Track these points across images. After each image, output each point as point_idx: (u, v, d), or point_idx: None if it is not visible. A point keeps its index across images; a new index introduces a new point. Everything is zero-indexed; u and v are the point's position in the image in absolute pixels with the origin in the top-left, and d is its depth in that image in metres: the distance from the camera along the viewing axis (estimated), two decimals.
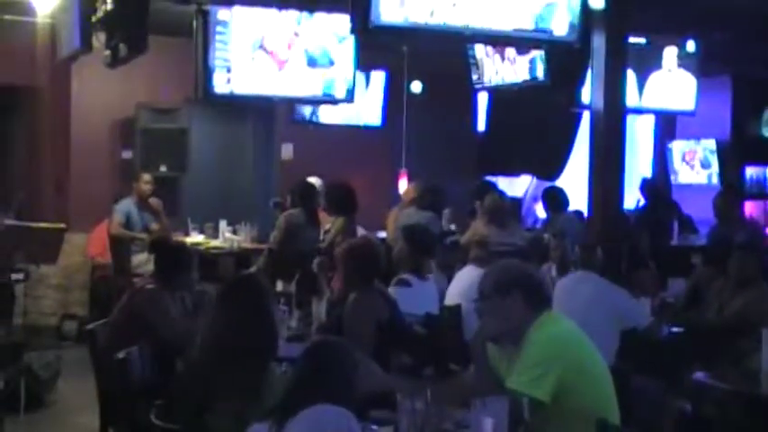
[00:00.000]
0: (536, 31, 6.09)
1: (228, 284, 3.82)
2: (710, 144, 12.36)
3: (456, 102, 11.26)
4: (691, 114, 9.79)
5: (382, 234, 8.61)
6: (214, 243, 9.46)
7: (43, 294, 9.28)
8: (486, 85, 8.93)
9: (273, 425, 2.81)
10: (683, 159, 12.80)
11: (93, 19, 6.57)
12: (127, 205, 9.23)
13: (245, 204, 10.57)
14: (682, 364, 4.74)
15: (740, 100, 12.27)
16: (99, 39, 6.63)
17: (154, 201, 9.29)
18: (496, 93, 9.94)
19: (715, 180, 12.27)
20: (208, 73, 7.22)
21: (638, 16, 7.07)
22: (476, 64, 8.81)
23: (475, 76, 8.93)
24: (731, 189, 10.64)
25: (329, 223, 7.98)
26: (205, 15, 7.21)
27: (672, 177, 12.89)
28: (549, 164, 12.17)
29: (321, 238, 7.94)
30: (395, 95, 10.95)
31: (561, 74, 8.10)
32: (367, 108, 10.89)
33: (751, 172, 12.92)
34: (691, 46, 9.25)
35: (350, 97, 7.99)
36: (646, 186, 10.62)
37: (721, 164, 12.28)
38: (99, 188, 9.81)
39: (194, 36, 7.25)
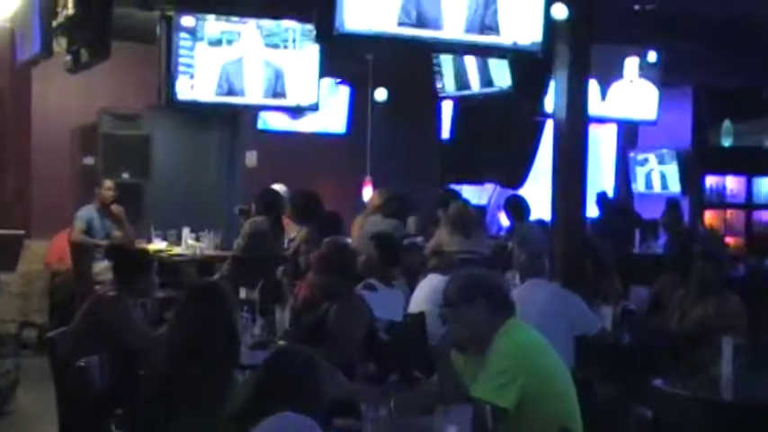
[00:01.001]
0: (500, 40, 6.12)
1: (190, 291, 3.79)
2: (671, 154, 12.49)
3: (420, 110, 11.28)
4: (652, 124, 9.90)
5: (348, 241, 8.59)
6: (177, 250, 9.40)
7: (2, 302, 9.16)
8: (450, 93, 8.97)
9: None
10: (645, 168, 12.93)
11: (54, 24, 6.50)
12: (88, 212, 9.14)
13: (208, 211, 10.51)
14: (644, 372, 4.77)
15: (701, 110, 12.43)
16: (60, 43, 6.57)
17: (116, 208, 9.21)
18: (461, 101, 9.99)
19: (676, 189, 12.40)
20: (171, 79, 7.18)
21: (600, 26, 7.14)
22: (440, 72, 8.84)
23: (439, 85, 8.97)
24: (675, 205, 10.84)
25: (294, 231, 7.95)
26: (169, 21, 7.18)
27: (633, 186, 13.02)
28: (513, 172, 12.24)
29: (286, 246, 7.91)
30: (359, 103, 10.96)
31: (525, 83, 8.16)
32: (331, 116, 10.89)
33: (711, 181, 13.08)
34: (652, 56, 9.36)
35: (314, 106, 7.98)
36: (599, 199, 10.80)
37: (682, 173, 12.42)
38: (60, 195, 9.72)
39: (158, 42, 7.21)
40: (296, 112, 8.92)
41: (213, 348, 3.43)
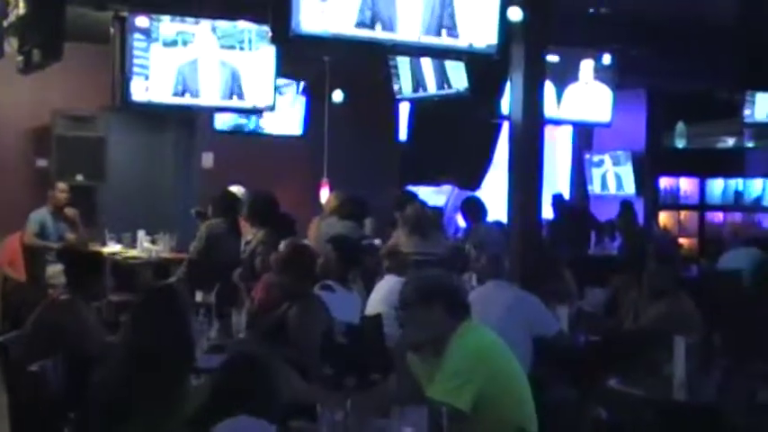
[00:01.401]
0: (456, 42, 6.14)
1: (145, 295, 3.76)
2: (626, 155, 12.62)
3: (378, 111, 11.29)
4: (607, 126, 9.98)
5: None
6: (132, 253, 9.31)
7: None
8: (407, 95, 8.99)
9: None
10: (600, 170, 13.06)
11: (5, 24, 6.41)
12: (41, 215, 9.04)
13: (164, 214, 10.43)
14: (599, 373, 4.81)
15: (655, 113, 12.57)
16: (11, 44, 6.47)
17: (70, 210, 9.12)
18: (418, 103, 10.01)
19: (631, 190, 12.53)
20: (125, 81, 7.11)
21: (555, 29, 7.19)
22: (397, 74, 8.85)
23: (396, 87, 8.98)
24: (628, 206, 10.98)
25: (251, 234, 7.91)
26: (122, 22, 7.09)
27: (589, 188, 13.13)
28: (470, 174, 12.29)
29: (242, 248, 7.87)
30: (316, 105, 10.94)
31: (481, 85, 8.19)
32: (288, 117, 10.86)
33: (665, 183, 13.25)
34: (607, 59, 9.45)
35: (271, 107, 7.95)
36: (554, 202, 10.90)
37: (637, 175, 12.56)
38: (12, 197, 9.58)
39: (112, 43, 7.13)
40: (252, 113, 8.88)
41: (168, 352, 3.40)
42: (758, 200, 13.01)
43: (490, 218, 8.65)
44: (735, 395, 4.20)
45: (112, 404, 3.35)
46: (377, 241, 8.28)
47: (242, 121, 10.53)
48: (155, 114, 9.77)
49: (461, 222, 10.22)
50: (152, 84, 7.22)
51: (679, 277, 5.87)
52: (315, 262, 5.18)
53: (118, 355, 3.56)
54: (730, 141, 13.60)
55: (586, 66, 9.42)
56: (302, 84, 10.95)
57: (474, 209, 8.67)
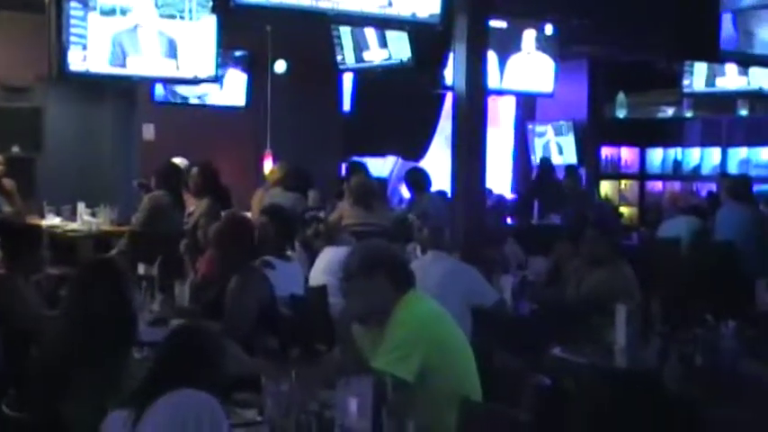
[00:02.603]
0: (399, 12, 6.12)
1: (84, 268, 3.71)
2: (568, 125, 12.73)
3: (321, 82, 11.22)
4: (549, 96, 10.05)
5: (248, 215, 8.51)
6: (72, 226, 9.17)
7: None
8: (350, 65, 8.94)
9: (132, 411, 2.74)
10: (543, 140, 13.15)
11: None
12: None
13: (104, 186, 10.28)
14: (542, 341, 4.87)
15: (596, 83, 12.68)
16: None
17: (6, 182, 8.95)
18: (361, 73, 9.97)
19: (573, 160, 12.65)
20: (62, 50, 6.95)
21: None
22: (340, 44, 8.80)
23: (339, 57, 8.93)
24: (573, 169, 11.12)
25: (193, 205, 7.84)
26: None
27: (532, 158, 13.23)
28: (414, 144, 12.31)
29: (185, 220, 7.79)
30: (258, 75, 10.83)
31: (425, 55, 8.19)
32: (230, 88, 10.74)
33: (606, 152, 13.39)
34: (549, 29, 9.49)
35: (213, 78, 7.84)
36: (543, 166, 11.03)
37: (578, 145, 12.67)
38: None
39: (47, 12, 6.96)
40: (193, 84, 8.76)
41: (109, 325, 3.36)
42: (696, 169, 13.21)
43: (434, 187, 8.69)
44: (673, 361, 4.27)
45: (53, 379, 3.30)
46: (321, 213, 8.26)
47: (183, 91, 10.40)
48: (93, 85, 9.60)
49: (406, 193, 10.24)
50: (90, 54, 7.07)
51: (616, 246, 5.94)
52: (252, 234, 5.10)
53: (58, 329, 3.51)
54: (669, 111, 13.78)
55: (529, 36, 9.45)
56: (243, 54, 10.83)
57: (418, 180, 8.68)
